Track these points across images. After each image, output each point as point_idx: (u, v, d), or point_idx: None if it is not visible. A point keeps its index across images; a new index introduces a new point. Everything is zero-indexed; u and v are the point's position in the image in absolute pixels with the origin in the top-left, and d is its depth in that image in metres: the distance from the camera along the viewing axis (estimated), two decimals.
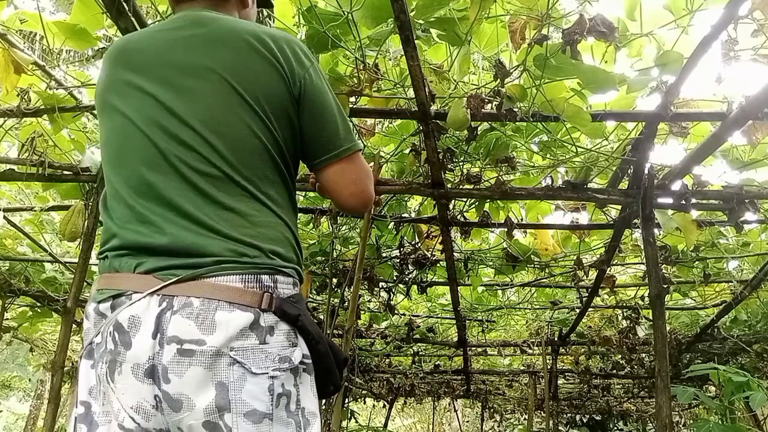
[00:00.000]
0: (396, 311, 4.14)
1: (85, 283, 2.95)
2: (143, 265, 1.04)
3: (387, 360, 6.48)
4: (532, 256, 3.26)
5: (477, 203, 2.83)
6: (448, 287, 3.82)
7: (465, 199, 2.79)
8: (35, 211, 3.45)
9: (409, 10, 1.67)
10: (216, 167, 1.07)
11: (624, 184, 2.56)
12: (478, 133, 2.25)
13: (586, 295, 3.87)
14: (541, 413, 6.86)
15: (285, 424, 1.01)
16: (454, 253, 3.23)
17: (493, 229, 3.16)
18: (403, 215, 3.09)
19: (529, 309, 4.62)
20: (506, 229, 2.92)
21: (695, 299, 4.23)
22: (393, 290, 3.78)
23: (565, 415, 10.79)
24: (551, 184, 2.51)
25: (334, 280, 3.45)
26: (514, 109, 1.99)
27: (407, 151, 2.55)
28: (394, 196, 2.97)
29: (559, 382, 6.54)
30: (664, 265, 3.30)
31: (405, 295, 3.83)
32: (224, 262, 1.03)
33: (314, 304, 4.42)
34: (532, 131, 2.36)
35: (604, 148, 2.32)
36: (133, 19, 1.80)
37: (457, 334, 4.96)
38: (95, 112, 2.45)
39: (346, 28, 1.84)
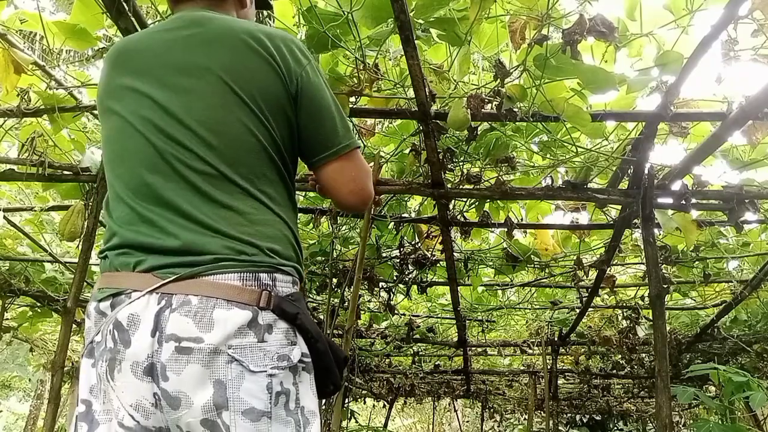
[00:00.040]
0: (396, 311, 4.14)
1: (85, 283, 2.95)
2: (143, 264, 1.04)
3: (387, 360, 6.47)
4: (532, 256, 3.26)
5: (477, 203, 2.82)
6: (448, 287, 3.82)
7: (465, 199, 2.79)
8: (35, 211, 3.45)
9: (409, 10, 1.67)
10: (213, 166, 1.08)
11: (624, 184, 2.56)
12: (478, 133, 2.25)
13: (586, 295, 3.86)
14: (541, 413, 6.85)
15: (284, 422, 1.01)
16: (454, 253, 3.23)
17: (493, 229, 3.16)
18: (403, 215, 3.09)
19: (529, 309, 4.62)
20: (506, 229, 2.92)
21: (695, 299, 4.22)
22: (393, 290, 3.78)
23: (565, 415, 10.78)
24: (551, 184, 2.51)
25: (334, 280, 3.44)
26: (514, 109, 1.99)
27: (407, 151, 2.55)
28: (394, 196, 2.97)
29: (559, 382, 6.54)
30: (664, 265, 3.30)
31: (405, 295, 3.83)
32: (222, 260, 1.03)
33: (314, 304, 4.42)
34: (532, 131, 2.35)
35: (604, 148, 2.32)
36: (133, 19, 1.80)
37: (457, 334, 4.95)
38: (95, 112, 2.47)
39: (346, 28, 1.84)
